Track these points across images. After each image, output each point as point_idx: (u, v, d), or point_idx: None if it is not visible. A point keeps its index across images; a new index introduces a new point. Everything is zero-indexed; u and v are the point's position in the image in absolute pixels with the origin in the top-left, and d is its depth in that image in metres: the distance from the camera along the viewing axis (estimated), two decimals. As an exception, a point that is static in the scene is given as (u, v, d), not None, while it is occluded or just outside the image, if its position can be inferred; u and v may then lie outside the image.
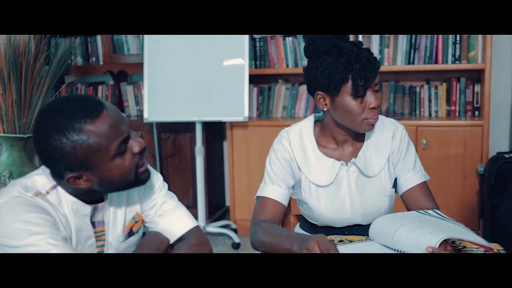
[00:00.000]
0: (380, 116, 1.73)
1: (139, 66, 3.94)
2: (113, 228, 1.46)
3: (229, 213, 4.12)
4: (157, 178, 1.58)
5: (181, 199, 4.28)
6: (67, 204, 1.37)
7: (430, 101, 3.82)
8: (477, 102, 3.73)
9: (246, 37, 3.63)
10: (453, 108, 3.78)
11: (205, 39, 3.65)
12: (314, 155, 1.75)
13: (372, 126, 1.67)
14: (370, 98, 1.63)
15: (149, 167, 1.49)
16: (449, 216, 1.59)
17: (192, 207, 4.07)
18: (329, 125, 1.74)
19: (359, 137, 1.76)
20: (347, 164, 1.74)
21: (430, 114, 3.83)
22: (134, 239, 1.52)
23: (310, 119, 1.80)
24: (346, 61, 1.59)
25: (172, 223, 1.56)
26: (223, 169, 4.47)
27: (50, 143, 1.26)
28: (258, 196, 1.78)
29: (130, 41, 4.26)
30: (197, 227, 1.60)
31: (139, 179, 1.40)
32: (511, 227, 1.57)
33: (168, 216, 1.56)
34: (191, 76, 3.69)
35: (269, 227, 1.65)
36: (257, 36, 3.96)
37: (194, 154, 3.88)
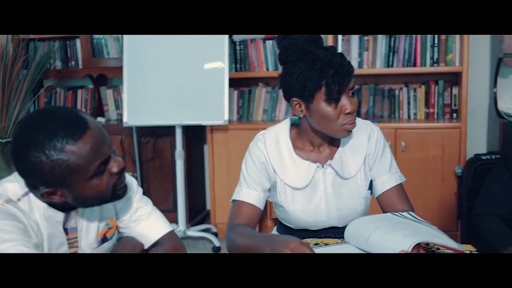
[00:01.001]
0: (357, 119, 1.74)
1: (119, 69, 3.92)
2: (86, 234, 1.45)
3: (210, 216, 4.11)
4: (132, 183, 1.57)
5: (162, 203, 4.31)
6: (39, 211, 1.35)
7: (409, 103, 3.85)
8: (455, 105, 3.77)
9: (226, 40, 3.63)
10: (431, 110, 3.81)
11: (185, 43, 3.64)
12: (290, 158, 1.75)
13: (349, 132, 1.68)
14: (346, 103, 1.63)
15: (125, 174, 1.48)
16: (424, 218, 1.60)
17: (172, 211, 4.06)
18: (306, 130, 1.74)
19: (335, 140, 1.76)
20: (323, 166, 1.75)
21: (409, 117, 3.86)
22: (107, 245, 1.51)
23: (287, 122, 1.81)
24: (319, 67, 1.59)
25: (147, 228, 1.55)
26: (203, 173, 4.46)
27: (28, 159, 1.24)
28: (234, 200, 1.78)
29: (109, 45, 4.24)
30: (172, 232, 1.59)
31: (116, 195, 1.38)
32: (483, 228, 1.59)
33: (143, 221, 1.56)
34: (171, 79, 3.68)
35: (243, 230, 1.65)
36: (237, 40, 3.96)
37: (174, 158, 3.87)
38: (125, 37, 3.75)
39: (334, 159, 1.74)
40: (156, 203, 4.30)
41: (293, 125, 1.80)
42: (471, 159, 3.50)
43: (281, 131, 1.78)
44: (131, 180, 1.57)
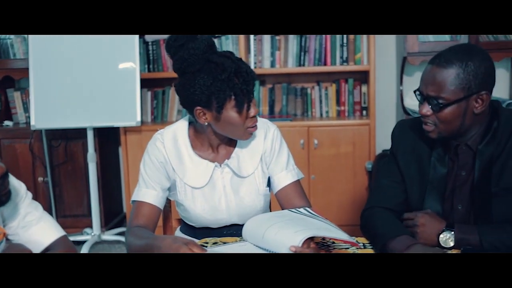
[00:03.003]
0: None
1: (26, 71, 3.77)
2: (-28, 242, 1.39)
3: (126, 219, 4.04)
4: (19, 189, 1.51)
5: (76, 207, 4.16)
6: None
7: (321, 102, 3.94)
8: (364, 102, 3.89)
9: (136, 40, 3.57)
10: (342, 108, 3.91)
11: (95, 43, 3.55)
12: (188, 157, 1.75)
13: (252, 134, 1.72)
14: (250, 107, 1.66)
15: (11, 177, 1.42)
16: (319, 213, 1.64)
17: (87, 216, 3.96)
18: (205, 132, 1.74)
19: (233, 140, 1.78)
20: (221, 166, 1.76)
21: (321, 115, 3.95)
22: (-5, 252, 1.45)
23: (185, 121, 1.81)
24: (226, 78, 1.59)
25: (37, 234, 1.51)
26: (119, 175, 4.38)
27: None
28: (133, 201, 1.76)
29: (16, 46, 4.07)
30: (64, 236, 1.56)
31: None
32: (374, 221, 1.65)
33: (32, 227, 1.51)
34: (81, 80, 3.58)
35: (139, 232, 1.64)
36: (149, 40, 3.91)
37: (87, 161, 3.77)
38: (31, 37, 3.62)
39: (231, 158, 1.76)
40: (69, 208, 4.18)
41: (191, 124, 1.80)
42: (380, 155, 3.64)
43: (179, 130, 1.78)
44: (18, 186, 1.52)
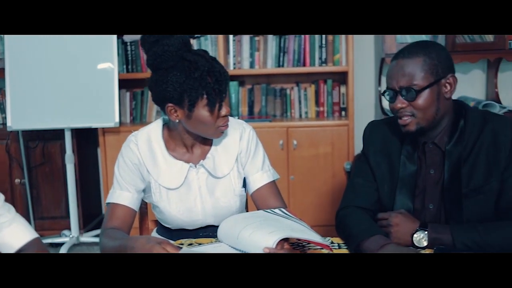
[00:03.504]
0: (229, 117, 1.77)
1: (2, 71, 3.72)
2: None
3: (105, 221, 4.00)
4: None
5: (53, 209, 4.11)
6: None
7: (300, 102, 3.95)
8: (343, 103, 3.91)
9: (114, 41, 3.55)
10: (321, 109, 3.93)
11: (72, 43, 3.52)
12: (163, 158, 1.74)
13: (223, 132, 1.72)
14: (222, 107, 1.66)
15: None
16: (294, 214, 1.64)
17: (65, 218, 3.92)
18: (178, 131, 1.74)
19: (208, 140, 1.78)
20: (196, 166, 1.75)
21: (300, 115, 3.96)
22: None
23: (159, 122, 1.80)
24: (199, 76, 1.59)
25: (9, 236, 1.49)
26: (98, 177, 4.34)
27: None
28: (108, 203, 1.75)
29: (-9, 45, 4.02)
30: (37, 239, 1.54)
31: None
32: (348, 220, 1.66)
33: (4, 229, 1.50)
34: (59, 81, 3.54)
35: (113, 233, 1.63)
36: (128, 40, 3.89)
37: (65, 162, 3.73)
38: (7, 37, 3.58)
39: (207, 159, 1.75)
40: (47, 210, 4.12)
41: (165, 125, 1.80)
42: (358, 155, 3.65)
43: (153, 131, 1.77)
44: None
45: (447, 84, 1.62)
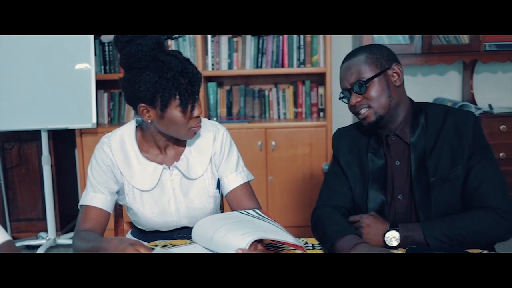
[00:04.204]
0: (202, 119, 1.77)
1: (-23, 71, 3.68)
2: None
3: (83, 223, 3.97)
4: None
5: (30, 211, 4.06)
6: None
7: (278, 103, 3.96)
8: (321, 104, 3.93)
9: (91, 41, 3.52)
10: (300, 110, 3.94)
11: (49, 43, 3.49)
12: (136, 160, 1.74)
13: (195, 133, 1.72)
14: (194, 108, 1.66)
15: None
16: (268, 215, 1.65)
17: (42, 219, 3.90)
18: (151, 132, 1.74)
19: (181, 141, 1.78)
20: (169, 168, 1.75)
21: (279, 116, 3.97)
22: None
23: (132, 124, 1.79)
24: (172, 77, 1.59)
25: (-21, 238, 1.46)
26: (75, 178, 4.31)
27: None
28: (81, 205, 1.74)
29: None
30: (9, 241, 1.51)
31: None
32: (323, 220, 1.67)
33: (-26, 231, 1.47)
34: (34, 81, 3.51)
35: (86, 235, 1.62)
36: (105, 40, 3.87)
37: (41, 164, 3.70)
38: (-20, 37, 3.54)
39: (180, 160, 1.75)
40: (24, 212, 4.09)
41: (139, 126, 1.79)
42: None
43: (126, 133, 1.76)
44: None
45: (394, 74, 1.72)
